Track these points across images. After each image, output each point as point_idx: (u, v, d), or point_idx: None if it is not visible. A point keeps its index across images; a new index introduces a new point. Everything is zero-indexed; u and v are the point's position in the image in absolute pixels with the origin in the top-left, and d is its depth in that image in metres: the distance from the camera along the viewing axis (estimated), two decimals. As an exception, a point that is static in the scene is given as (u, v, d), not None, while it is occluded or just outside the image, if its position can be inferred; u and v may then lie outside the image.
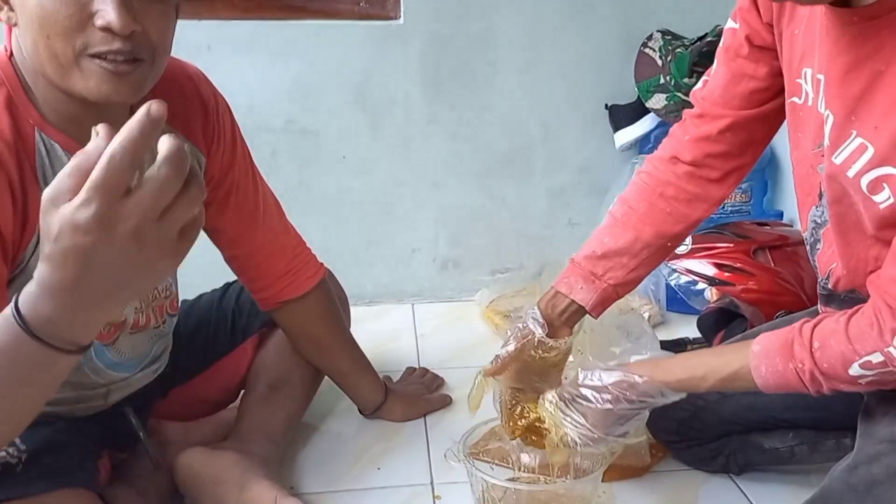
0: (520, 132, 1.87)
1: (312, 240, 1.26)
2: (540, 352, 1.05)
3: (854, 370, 0.82)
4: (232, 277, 1.25)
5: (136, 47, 0.82)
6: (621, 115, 1.85)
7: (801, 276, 1.50)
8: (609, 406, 0.95)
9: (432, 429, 1.34)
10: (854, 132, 0.81)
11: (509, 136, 1.87)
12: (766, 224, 1.68)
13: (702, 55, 1.71)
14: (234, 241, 1.15)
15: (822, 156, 0.87)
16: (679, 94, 1.75)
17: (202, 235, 1.15)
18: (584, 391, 0.96)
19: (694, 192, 1.06)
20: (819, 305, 1.02)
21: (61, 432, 0.97)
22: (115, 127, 0.52)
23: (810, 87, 0.88)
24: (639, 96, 1.81)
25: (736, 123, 1.02)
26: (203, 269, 1.21)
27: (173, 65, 0.98)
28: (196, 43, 1.65)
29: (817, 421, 1.11)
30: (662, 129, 1.81)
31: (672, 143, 1.08)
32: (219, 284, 1.33)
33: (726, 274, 1.54)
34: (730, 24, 0.99)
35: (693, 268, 1.60)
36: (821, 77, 0.85)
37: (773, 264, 1.52)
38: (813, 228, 0.97)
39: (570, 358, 1.11)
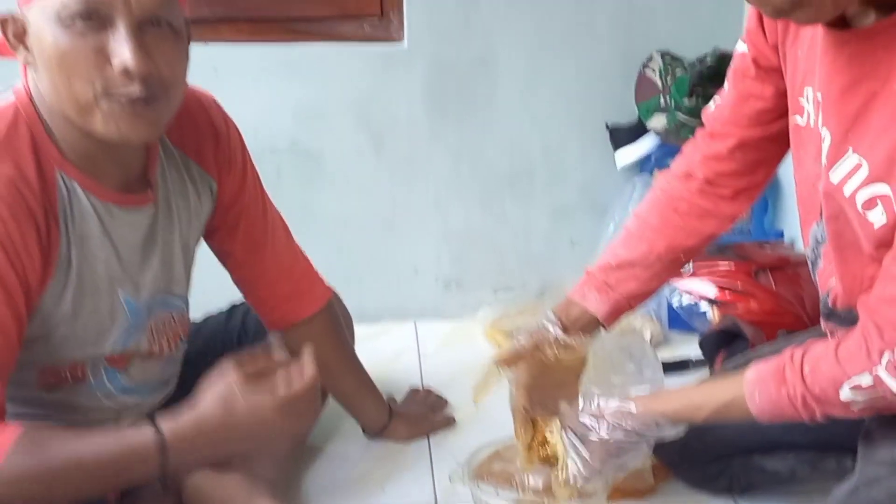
0: (521, 152, 1.88)
1: (316, 258, 1.27)
2: (556, 350, 1.05)
3: (845, 393, 0.83)
4: (238, 297, 1.26)
5: (152, 85, 0.84)
6: (622, 135, 1.87)
7: (803, 297, 1.51)
8: (605, 435, 0.96)
9: (436, 449, 1.35)
10: (850, 149, 0.83)
11: (511, 157, 1.88)
12: (767, 244, 1.70)
13: (701, 76, 1.73)
14: (242, 264, 1.16)
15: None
16: (679, 115, 1.76)
17: (210, 256, 1.18)
18: (584, 419, 0.97)
19: (706, 207, 1.08)
20: (822, 322, 1.03)
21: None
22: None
23: (811, 106, 0.90)
24: (639, 116, 1.83)
25: (745, 142, 1.04)
26: (210, 289, 1.22)
27: (186, 92, 1.00)
28: (202, 66, 1.65)
29: (818, 442, 1.11)
30: (663, 148, 1.82)
31: (685, 160, 1.11)
32: (224, 304, 1.34)
33: (728, 295, 1.56)
34: (739, 47, 1.03)
35: (695, 288, 1.61)
36: (820, 96, 0.87)
37: (774, 285, 1.53)
38: (814, 246, 0.98)
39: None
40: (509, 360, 1.06)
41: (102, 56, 0.82)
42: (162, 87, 0.85)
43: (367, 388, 1.33)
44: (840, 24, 0.82)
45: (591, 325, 1.09)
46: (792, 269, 1.56)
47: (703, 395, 0.95)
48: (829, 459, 1.12)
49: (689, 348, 1.66)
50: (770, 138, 1.03)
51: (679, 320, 1.75)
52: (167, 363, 1.10)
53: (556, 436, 1.01)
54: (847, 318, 0.93)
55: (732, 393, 0.91)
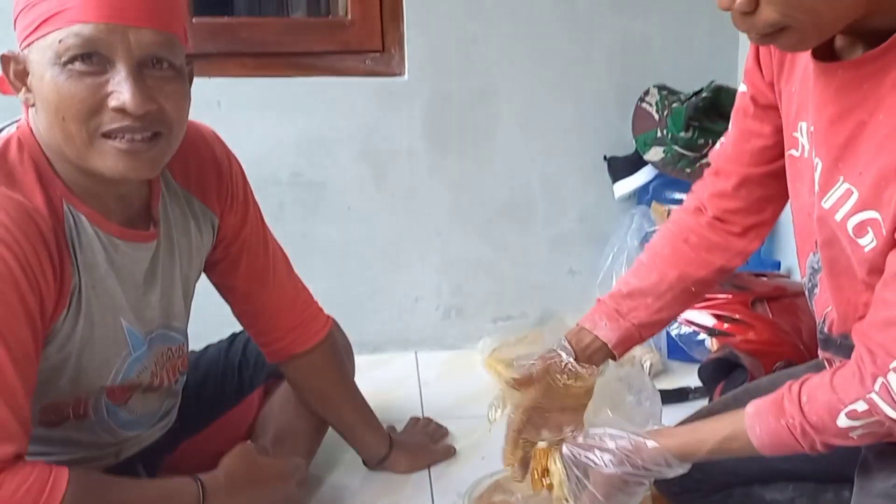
0: (521, 183, 1.91)
1: (317, 288, 1.28)
2: (565, 377, 1.06)
3: (842, 421, 0.84)
4: (237, 328, 1.27)
5: (152, 123, 0.84)
6: (620, 167, 1.89)
7: (800, 327, 1.52)
8: (612, 469, 0.96)
9: (437, 480, 1.35)
10: (841, 178, 0.85)
11: (510, 187, 1.90)
12: (764, 275, 1.71)
13: (697, 109, 1.76)
14: (244, 297, 1.17)
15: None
16: (675, 147, 1.79)
17: (210, 288, 1.19)
18: (590, 452, 0.98)
19: (716, 240, 1.10)
20: (819, 352, 1.04)
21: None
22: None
23: (805, 138, 0.92)
24: (636, 149, 1.85)
25: (748, 179, 1.06)
26: (210, 319, 1.23)
27: (189, 127, 1.01)
28: (206, 99, 1.70)
29: (816, 472, 1.12)
30: (660, 180, 1.85)
31: (694, 197, 1.13)
32: (225, 334, 1.35)
33: (725, 325, 1.57)
34: (741, 87, 1.05)
35: (693, 318, 1.62)
36: (812, 127, 0.89)
37: (771, 315, 1.54)
38: (811, 274, 1.00)
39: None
40: (524, 383, 1.07)
41: (100, 97, 0.82)
42: (163, 125, 0.86)
43: (367, 420, 1.33)
44: (829, 56, 0.85)
45: (600, 353, 1.09)
46: (789, 300, 1.57)
47: (706, 428, 0.96)
48: (827, 491, 1.12)
49: (689, 378, 1.66)
50: (772, 175, 1.05)
51: (678, 350, 1.76)
52: (167, 395, 1.10)
53: (558, 466, 1.01)
54: (843, 346, 0.94)
55: (734, 426, 0.92)
